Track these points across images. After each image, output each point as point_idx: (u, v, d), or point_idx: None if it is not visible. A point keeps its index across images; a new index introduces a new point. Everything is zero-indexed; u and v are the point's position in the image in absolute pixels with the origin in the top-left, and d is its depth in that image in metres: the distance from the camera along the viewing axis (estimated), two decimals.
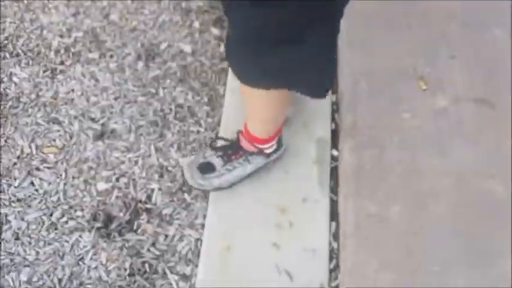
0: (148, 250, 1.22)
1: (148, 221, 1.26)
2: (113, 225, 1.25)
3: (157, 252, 1.21)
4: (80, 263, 1.21)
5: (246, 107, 1.18)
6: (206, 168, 1.24)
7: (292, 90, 1.05)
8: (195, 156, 1.30)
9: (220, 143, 1.30)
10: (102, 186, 1.31)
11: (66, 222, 1.27)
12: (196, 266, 1.17)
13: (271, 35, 0.88)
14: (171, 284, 1.17)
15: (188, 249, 1.21)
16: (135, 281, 1.18)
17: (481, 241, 1.19)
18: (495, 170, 1.29)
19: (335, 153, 1.33)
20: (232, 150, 1.25)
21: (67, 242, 1.24)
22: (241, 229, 1.19)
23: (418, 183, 1.27)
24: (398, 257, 1.17)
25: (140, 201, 1.29)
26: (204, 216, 1.24)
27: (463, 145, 1.33)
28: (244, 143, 1.24)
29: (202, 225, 1.23)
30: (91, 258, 1.21)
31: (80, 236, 1.24)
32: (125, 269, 1.19)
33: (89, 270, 1.20)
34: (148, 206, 1.28)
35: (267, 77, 0.98)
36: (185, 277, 1.18)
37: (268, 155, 1.25)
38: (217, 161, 1.24)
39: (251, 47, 0.92)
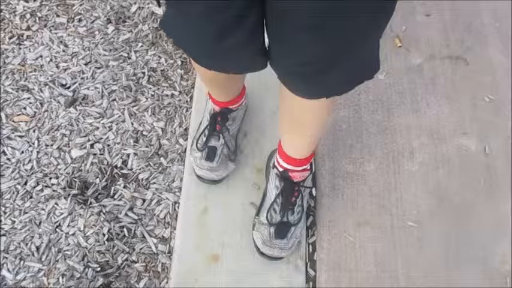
0: (126, 215, 1.21)
1: (125, 186, 1.25)
2: (89, 192, 1.24)
3: (135, 217, 1.21)
4: (58, 230, 1.20)
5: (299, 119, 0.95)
6: (283, 231, 1.07)
7: None
8: (255, 231, 1.10)
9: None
10: (76, 153, 1.29)
11: (41, 190, 1.25)
12: (175, 228, 1.18)
13: None
14: (150, 247, 1.18)
15: (166, 213, 1.21)
16: (114, 246, 1.18)
17: (454, 197, 1.21)
18: (468, 127, 1.31)
19: None
20: (287, 192, 1.08)
21: (43, 210, 1.23)
22: (218, 190, 1.19)
23: (393, 141, 1.29)
24: (374, 214, 1.19)
25: (116, 167, 1.28)
26: (181, 180, 1.24)
27: (437, 102, 1.34)
28: (298, 174, 1.08)
29: (179, 189, 1.23)
30: (68, 225, 1.21)
31: (56, 204, 1.23)
32: (103, 234, 1.19)
33: (66, 237, 1.19)
34: (124, 171, 1.27)
35: None
36: (164, 240, 1.18)
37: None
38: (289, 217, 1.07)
39: None
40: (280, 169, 1.10)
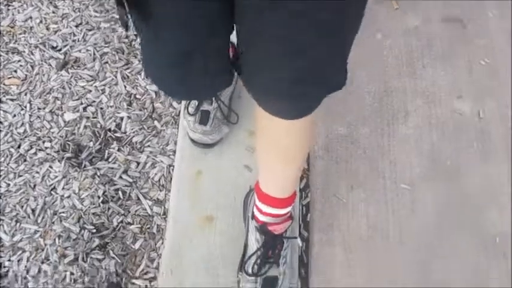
0: (121, 177, 1.22)
1: (119, 150, 1.25)
2: (83, 155, 1.24)
3: (130, 180, 1.22)
4: (53, 192, 1.21)
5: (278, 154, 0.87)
6: (270, 286, 1.02)
7: None
8: None
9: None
10: (69, 116, 1.28)
11: (35, 153, 1.25)
12: (169, 191, 1.19)
13: None
14: (145, 209, 1.19)
15: (161, 176, 1.22)
16: (109, 208, 1.19)
17: (447, 160, 1.22)
18: (464, 90, 1.31)
19: None
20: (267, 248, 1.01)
21: (37, 173, 1.23)
22: (212, 154, 1.19)
23: (387, 103, 1.28)
24: (367, 176, 1.20)
25: (110, 130, 1.27)
26: (175, 143, 1.24)
27: (433, 65, 1.33)
28: (278, 227, 0.99)
29: (174, 152, 1.23)
30: (63, 188, 1.21)
31: (50, 167, 1.23)
32: (98, 197, 1.20)
33: (62, 200, 1.20)
34: (118, 134, 1.27)
35: None
36: (159, 202, 1.19)
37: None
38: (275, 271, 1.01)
39: None
40: (261, 218, 1.00)
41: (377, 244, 1.12)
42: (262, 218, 1.00)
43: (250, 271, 1.01)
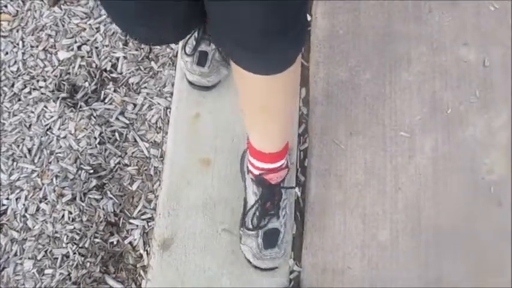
0: (117, 119, 1.20)
1: (115, 91, 1.22)
2: (79, 95, 1.22)
3: (127, 121, 1.20)
4: (48, 133, 1.20)
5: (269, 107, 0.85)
6: (272, 239, 1.01)
7: None
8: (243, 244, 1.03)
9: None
10: (63, 55, 1.25)
11: (29, 93, 1.23)
12: (167, 133, 1.18)
13: None
14: (142, 151, 1.18)
15: (158, 118, 1.20)
16: (106, 149, 1.18)
17: (448, 108, 1.21)
18: (470, 37, 1.27)
19: (308, 18, 1.27)
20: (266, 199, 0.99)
21: (32, 112, 1.21)
22: (210, 96, 1.17)
23: (391, 49, 1.25)
24: (366, 123, 1.19)
25: (105, 71, 1.24)
26: (173, 85, 1.21)
27: (440, 9, 1.28)
28: (274, 176, 0.98)
29: (171, 94, 1.20)
30: (59, 128, 1.20)
31: (46, 107, 1.21)
32: (95, 138, 1.19)
33: (58, 140, 1.19)
34: (114, 75, 1.24)
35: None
36: (156, 144, 1.19)
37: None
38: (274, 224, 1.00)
39: None
40: (255, 172, 0.99)
41: (373, 190, 1.13)
42: (256, 172, 1.00)
43: (250, 225, 1.00)
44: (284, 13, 0.65)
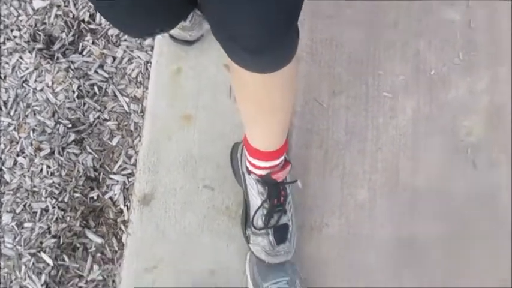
0: (96, 72, 1.17)
1: (93, 43, 1.18)
2: (56, 47, 1.18)
3: (106, 75, 1.17)
4: (24, 85, 1.16)
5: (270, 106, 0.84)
6: (283, 234, 1.01)
7: None
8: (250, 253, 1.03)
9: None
10: (38, 3, 1.19)
11: (4, 43, 1.18)
12: (147, 88, 1.15)
13: None
14: (122, 106, 1.16)
15: (138, 72, 1.17)
16: (84, 103, 1.16)
17: (432, 69, 1.20)
18: None
19: None
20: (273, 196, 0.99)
21: (7, 63, 1.17)
22: (192, 51, 1.14)
23: (377, 8, 1.22)
24: (350, 83, 1.18)
25: (83, 21, 1.19)
26: (153, 38, 1.18)
27: None
28: (281, 174, 0.98)
29: (152, 47, 1.17)
30: (35, 81, 1.16)
31: (21, 58, 1.17)
32: (73, 91, 1.16)
33: (34, 93, 1.16)
34: (92, 26, 1.19)
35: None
36: (136, 99, 1.17)
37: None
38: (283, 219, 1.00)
39: None
40: (259, 172, 0.98)
41: (353, 149, 1.14)
42: (260, 172, 0.98)
43: (261, 225, 1.00)
44: (283, 12, 0.65)
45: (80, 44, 1.18)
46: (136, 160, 1.12)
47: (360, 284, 1.07)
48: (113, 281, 1.08)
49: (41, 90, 1.16)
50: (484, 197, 1.14)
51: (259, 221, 1.00)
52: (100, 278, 1.09)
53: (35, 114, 1.15)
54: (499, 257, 1.10)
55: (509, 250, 1.11)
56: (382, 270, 1.08)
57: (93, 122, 1.15)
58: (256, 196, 1.00)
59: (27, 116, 1.15)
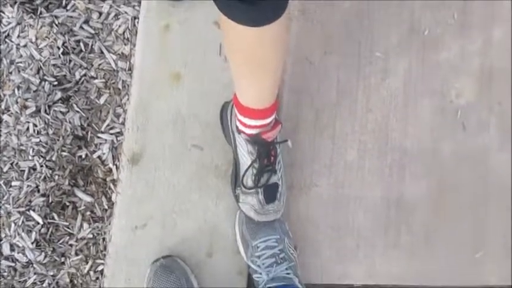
0: (82, 28, 1.13)
1: None
2: (38, 0, 1.13)
3: (92, 31, 1.14)
4: (7, 40, 1.13)
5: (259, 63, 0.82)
6: (272, 193, 1.01)
7: None
8: (240, 211, 1.04)
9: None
10: None
11: None
12: (135, 45, 1.12)
13: None
14: (109, 64, 1.13)
15: (125, 28, 1.14)
16: (70, 60, 1.13)
17: (425, 30, 1.18)
18: None
19: None
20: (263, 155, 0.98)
21: None
22: (180, 7, 1.11)
23: None
24: (342, 42, 1.16)
25: None
26: None
27: None
28: (271, 134, 0.96)
29: (139, 2, 1.13)
30: (18, 36, 1.13)
31: (2, 12, 1.13)
32: (58, 48, 1.13)
33: (18, 49, 1.12)
34: None
35: None
36: (124, 56, 1.14)
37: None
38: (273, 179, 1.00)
39: None
40: (249, 131, 0.96)
41: (344, 110, 1.13)
42: (250, 131, 0.96)
43: (250, 184, 1.00)
44: None
45: None
46: (124, 119, 1.11)
47: (348, 243, 1.09)
48: (103, 239, 1.09)
49: (25, 46, 1.12)
50: (472, 159, 1.15)
51: (249, 181, 1.00)
52: (90, 236, 1.09)
53: (19, 71, 1.12)
54: (486, 217, 1.13)
55: (495, 211, 1.13)
56: (370, 229, 1.10)
57: (80, 79, 1.12)
58: (246, 156, 1.00)
59: (11, 72, 1.12)
